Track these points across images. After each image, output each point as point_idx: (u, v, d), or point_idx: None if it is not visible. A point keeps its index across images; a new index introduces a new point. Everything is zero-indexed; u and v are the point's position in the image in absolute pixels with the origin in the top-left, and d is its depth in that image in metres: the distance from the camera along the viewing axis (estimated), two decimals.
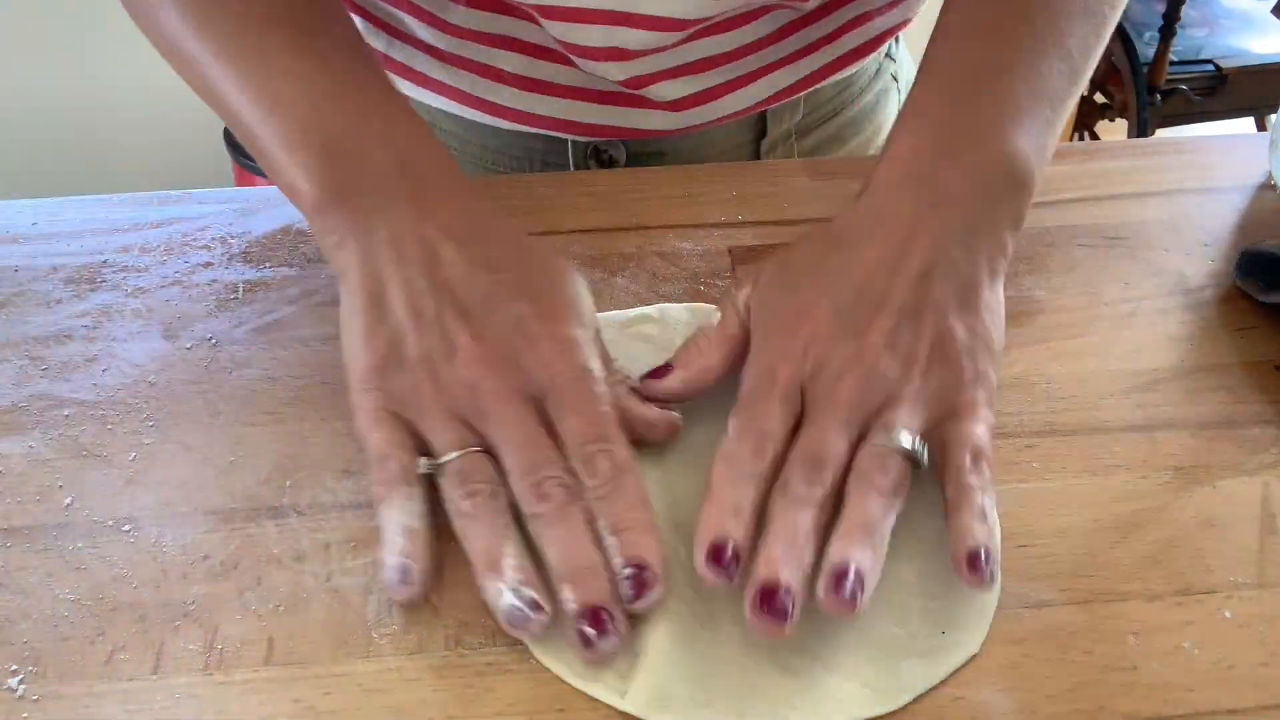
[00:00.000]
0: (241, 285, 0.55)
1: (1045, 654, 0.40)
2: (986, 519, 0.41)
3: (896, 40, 0.72)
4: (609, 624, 0.39)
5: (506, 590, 0.39)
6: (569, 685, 0.39)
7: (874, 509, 0.40)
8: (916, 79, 0.50)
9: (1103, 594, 0.42)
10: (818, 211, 0.59)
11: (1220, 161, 0.63)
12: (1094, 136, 2.13)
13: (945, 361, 0.43)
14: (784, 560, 0.39)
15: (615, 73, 0.59)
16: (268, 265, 0.56)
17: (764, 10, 0.59)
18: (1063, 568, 0.43)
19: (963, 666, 0.40)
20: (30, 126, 1.94)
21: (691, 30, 0.56)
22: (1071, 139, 2.07)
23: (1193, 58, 1.96)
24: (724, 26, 0.58)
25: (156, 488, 0.45)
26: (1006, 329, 0.52)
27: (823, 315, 0.44)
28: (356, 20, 0.63)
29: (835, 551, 0.39)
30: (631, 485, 0.42)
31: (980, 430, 0.42)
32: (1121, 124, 2.07)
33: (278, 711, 0.38)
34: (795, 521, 0.40)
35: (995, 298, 0.46)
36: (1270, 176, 0.61)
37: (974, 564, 0.39)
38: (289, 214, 0.59)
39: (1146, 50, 1.93)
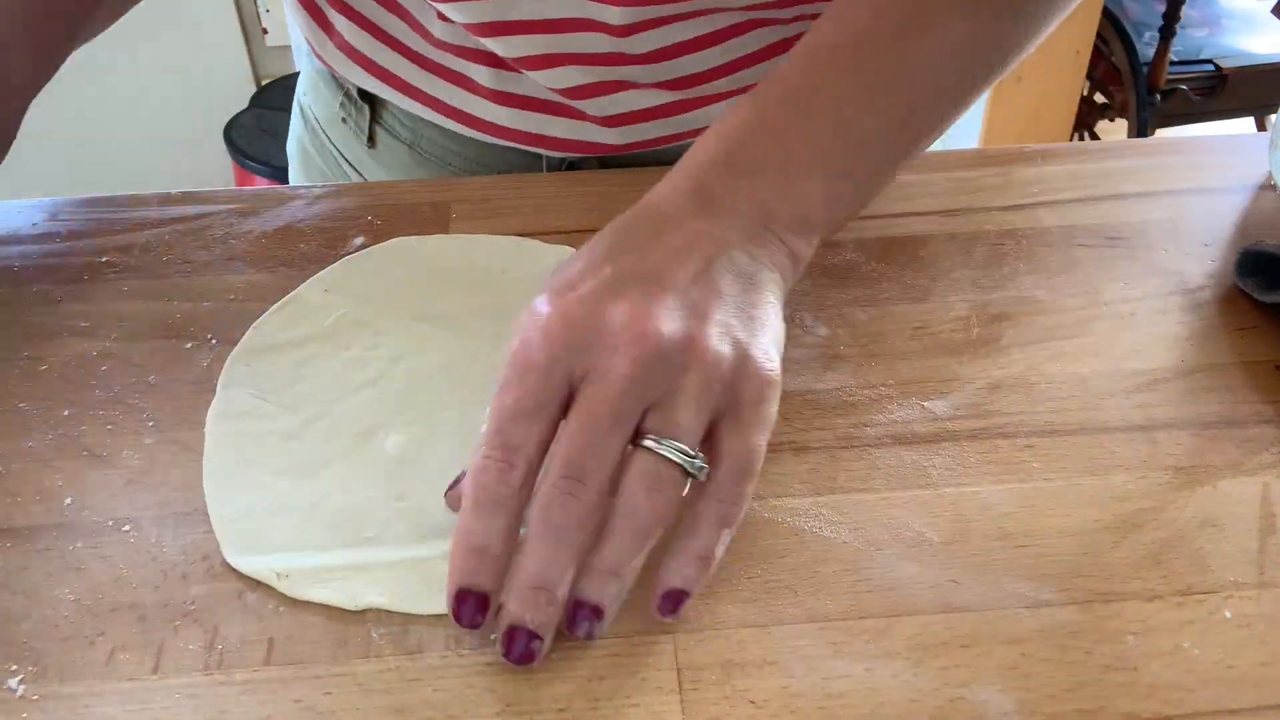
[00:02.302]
0: (241, 285, 0.55)
1: (1045, 654, 0.40)
2: (709, 558, 0.38)
3: None
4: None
5: None
6: (569, 685, 0.39)
7: (628, 547, 0.37)
8: (756, 88, 0.47)
9: (1103, 594, 0.42)
10: None
11: (1220, 161, 0.63)
12: (1094, 136, 2.13)
13: (732, 347, 0.39)
14: (534, 603, 0.37)
15: (571, 77, 0.59)
16: (268, 265, 0.56)
17: (743, 29, 0.58)
18: (1063, 568, 0.43)
19: None
20: (30, 126, 1.94)
21: (634, 30, 0.56)
22: (1071, 139, 2.07)
23: (1193, 58, 1.96)
24: (693, 47, 0.58)
25: (156, 488, 0.45)
26: (1006, 329, 0.52)
27: (593, 286, 0.38)
28: (344, 22, 0.63)
29: (577, 589, 0.38)
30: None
31: (756, 440, 0.39)
32: (1121, 124, 2.07)
33: (278, 711, 0.38)
34: (550, 553, 0.37)
35: (777, 298, 0.42)
36: (1270, 176, 0.61)
37: (667, 603, 0.39)
38: (289, 214, 0.59)
39: (1146, 50, 1.94)
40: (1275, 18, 1.98)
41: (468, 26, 0.57)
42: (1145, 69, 1.92)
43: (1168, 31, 1.87)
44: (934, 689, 0.39)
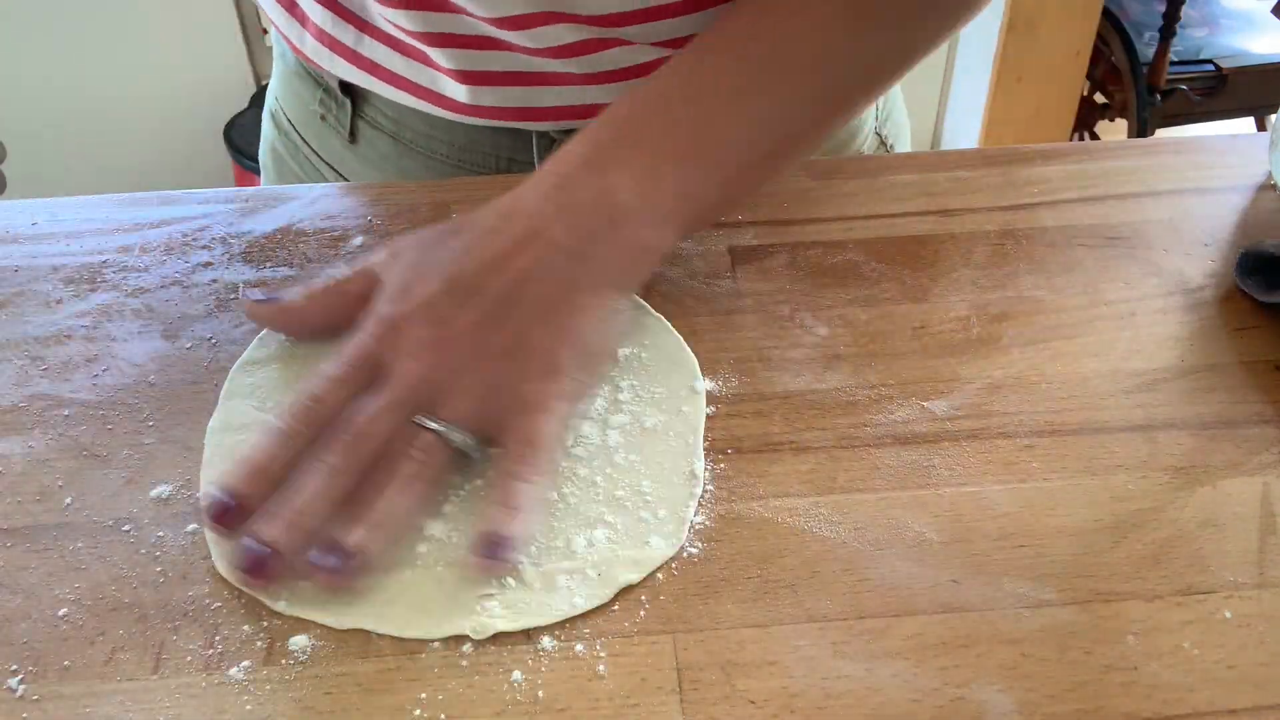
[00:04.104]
0: (241, 285, 0.55)
1: (1045, 654, 0.40)
2: (516, 507, 0.42)
3: None
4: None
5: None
6: (569, 685, 0.39)
7: (390, 495, 0.42)
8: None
9: (1103, 594, 0.42)
10: (818, 212, 0.59)
11: (1220, 161, 0.63)
12: (1094, 136, 2.13)
13: (518, 355, 0.45)
14: (281, 521, 0.41)
15: (561, 35, 0.58)
16: (268, 265, 0.56)
17: None
18: (1063, 568, 0.43)
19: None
20: (31, 126, 1.94)
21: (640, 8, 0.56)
22: (1071, 139, 2.07)
23: (1193, 58, 1.96)
24: (681, 9, 0.58)
25: (156, 488, 0.45)
26: (1006, 329, 0.52)
27: (415, 298, 0.46)
28: (320, 12, 0.62)
29: (341, 531, 0.41)
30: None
31: (540, 422, 0.44)
32: (1121, 124, 2.07)
33: (278, 711, 0.39)
34: (308, 484, 0.42)
35: (598, 305, 0.47)
36: (1270, 176, 0.61)
37: (486, 547, 0.41)
38: (289, 214, 0.59)
39: (1146, 50, 1.94)
40: (1275, 18, 1.98)
41: None
42: (1145, 69, 1.92)
43: (1168, 31, 1.87)
44: (934, 689, 0.39)
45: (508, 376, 0.45)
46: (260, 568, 0.40)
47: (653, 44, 0.60)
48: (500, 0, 0.56)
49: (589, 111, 0.63)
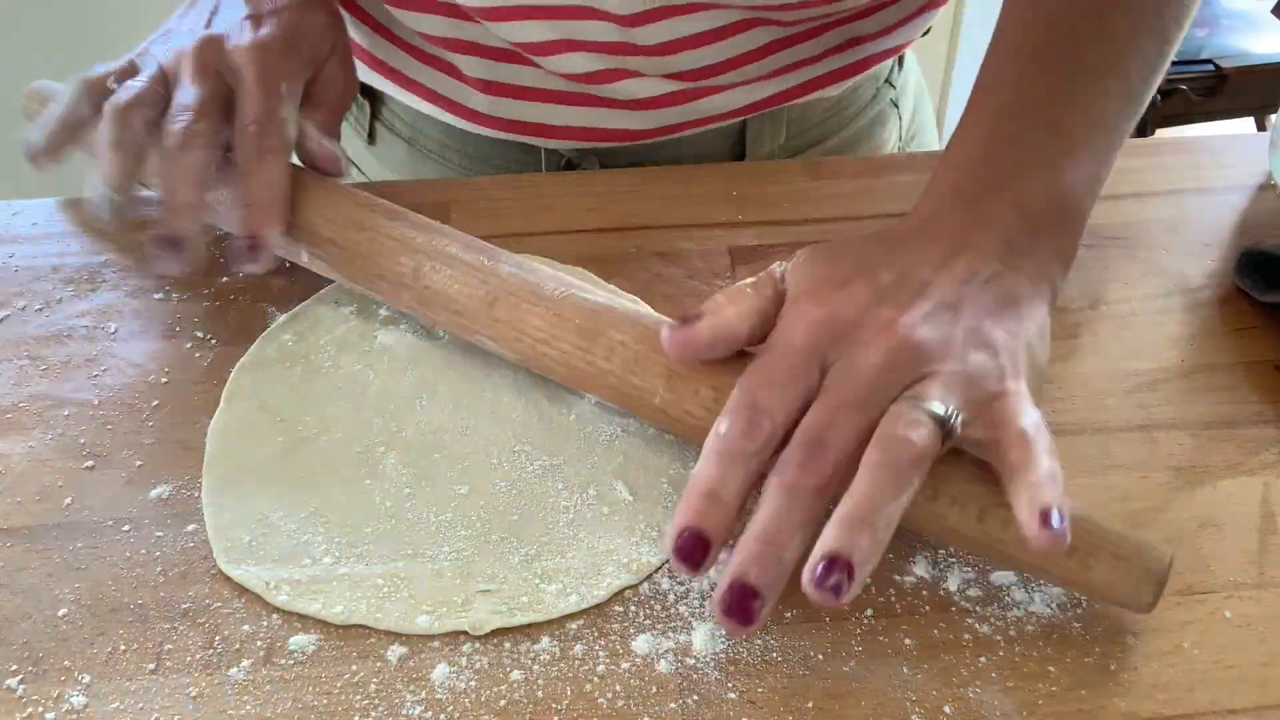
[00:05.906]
0: (242, 285, 0.55)
1: (1045, 654, 0.40)
2: (1056, 480, 0.37)
3: (900, 65, 0.72)
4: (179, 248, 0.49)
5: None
6: (569, 686, 0.39)
7: (882, 488, 0.37)
8: (969, 100, 0.49)
9: None
10: (818, 212, 0.59)
11: (1220, 161, 0.63)
12: None
13: (985, 348, 0.40)
14: (759, 558, 0.37)
15: (579, 64, 0.59)
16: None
17: (744, 26, 0.59)
18: None
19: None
20: None
21: (640, 20, 0.57)
22: None
23: (1193, 58, 1.96)
24: (698, 41, 0.59)
25: (156, 488, 0.45)
26: None
27: (859, 288, 0.41)
28: (345, 16, 0.63)
29: (825, 539, 0.36)
30: (270, 169, 0.50)
31: (1034, 416, 0.39)
32: None
33: (278, 712, 0.38)
34: (782, 512, 0.37)
35: (1040, 316, 0.44)
36: (1270, 176, 0.61)
37: (1045, 521, 0.36)
38: None
39: None
40: (1275, 18, 1.98)
41: (479, 10, 0.57)
42: None
43: None
44: (934, 689, 0.39)
45: (980, 367, 0.40)
46: (750, 615, 0.36)
47: (664, 76, 0.60)
48: (524, 27, 0.56)
49: (604, 135, 0.64)
